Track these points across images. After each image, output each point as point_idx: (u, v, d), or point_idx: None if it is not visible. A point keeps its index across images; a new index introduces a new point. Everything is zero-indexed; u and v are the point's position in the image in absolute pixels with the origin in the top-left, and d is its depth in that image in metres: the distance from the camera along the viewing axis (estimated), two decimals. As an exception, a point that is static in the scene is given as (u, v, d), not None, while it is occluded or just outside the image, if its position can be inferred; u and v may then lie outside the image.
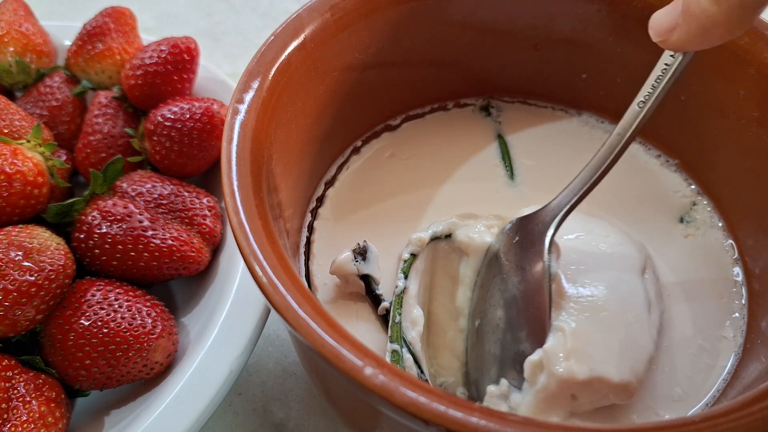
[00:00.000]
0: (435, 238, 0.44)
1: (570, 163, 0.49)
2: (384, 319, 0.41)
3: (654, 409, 0.38)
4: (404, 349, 0.39)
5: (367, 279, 0.41)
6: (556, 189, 0.48)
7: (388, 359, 0.38)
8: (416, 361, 0.39)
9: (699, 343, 0.40)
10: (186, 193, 0.48)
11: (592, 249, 0.39)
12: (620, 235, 0.41)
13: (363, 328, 0.41)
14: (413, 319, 0.40)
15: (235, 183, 0.33)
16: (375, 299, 0.41)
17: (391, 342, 0.39)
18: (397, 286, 0.41)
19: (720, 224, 0.46)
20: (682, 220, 0.46)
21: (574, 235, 0.40)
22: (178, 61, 0.52)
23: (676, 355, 0.40)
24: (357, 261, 0.41)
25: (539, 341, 0.35)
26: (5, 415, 0.37)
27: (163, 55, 0.51)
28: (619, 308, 0.37)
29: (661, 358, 0.39)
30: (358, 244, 0.42)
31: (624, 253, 0.40)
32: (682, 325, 0.41)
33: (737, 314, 0.42)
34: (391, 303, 0.41)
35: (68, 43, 0.57)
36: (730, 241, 0.45)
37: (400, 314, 0.40)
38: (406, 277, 0.42)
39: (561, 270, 0.37)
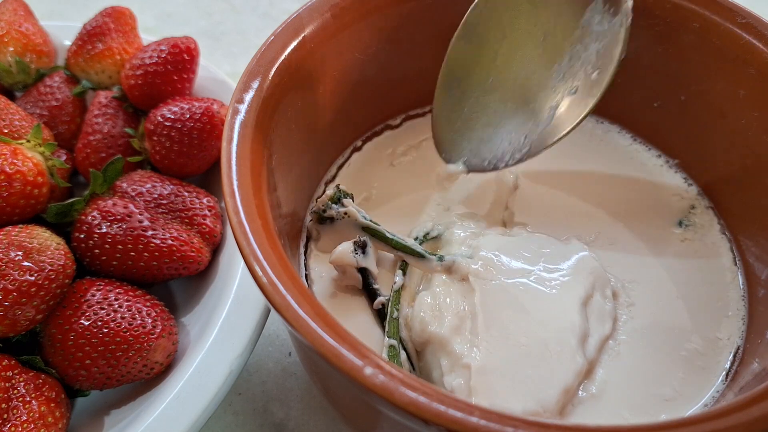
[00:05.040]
0: (434, 237, 0.44)
1: (570, 165, 0.49)
2: (379, 313, 0.41)
3: (644, 407, 0.38)
4: (399, 346, 0.39)
5: (365, 272, 0.41)
6: (555, 190, 0.48)
7: (385, 354, 0.38)
8: (409, 358, 0.39)
9: (692, 344, 0.40)
10: (186, 193, 0.48)
11: (527, 287, 0.40)
12: (570, 264, 0.41)
13: (358, 322, 0.41)
14: (406, 316, 0.40)
15: (235, 183, 0.33)
16: (371, 294, 0.41)
17: (388, 337, 0.39)
18: (395, 282, 0.42)
19: (719, 227, 0.46)
20: (680, 224, 0.46)
21: (512, 280, 0.40)
22: (178, 61, 0.52)
23: (666, 356, 0.40)
24: (357, 253, 0.41)
25: None
26: (5, 415, 0.37)
27: (163, 55, 0.51)
28: (538, 343, 0.37)
29: (649, 359, 0.40)
30: (359, 237, 0.42)
31: (565, 286, 0.40)
32: (674, 326, 0.41)
33: (734, 317, 0.42)
34: (388, 299, 0.41)
35: (68, 43, 0.57)
36: (729, 244, 0.45)
37: (397, 310, 0.40)
38: (404, 274, 0.42)
39: (481, 311, 0.38)
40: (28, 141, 0.45)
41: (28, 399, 0.38)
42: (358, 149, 0.50)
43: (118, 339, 0.40)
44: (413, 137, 0.51)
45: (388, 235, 0.42)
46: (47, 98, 0.54)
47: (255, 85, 0.38)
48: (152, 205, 0.46)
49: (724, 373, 0.40)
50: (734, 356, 0.40)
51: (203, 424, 0.39)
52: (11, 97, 0.56)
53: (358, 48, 0.45)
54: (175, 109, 0.49)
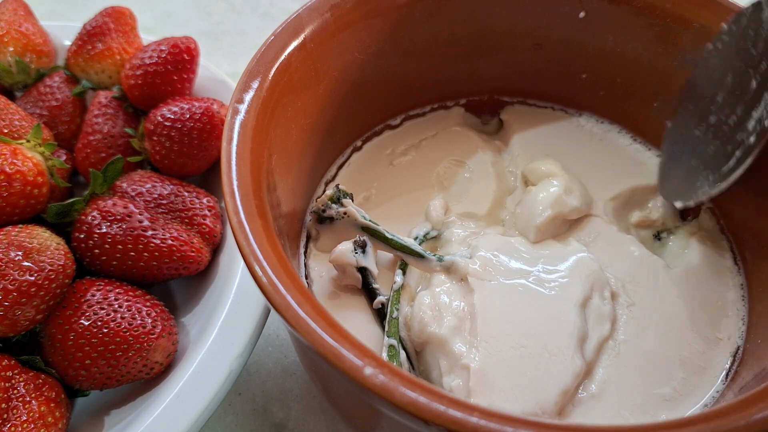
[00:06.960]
0: (433, 236, 0.44)
1: (569, 164, 0.49)
2: (379, 313, 0.41)
3: (644, 407, 0.38)
4: (399, 345, 0.39)
5: (364, 272, 0.41)
6: (556, 189, 0.48)
7: (384, 354, 0.39)
8: (409, 358, 0.39)
9: (692, 344, 0.40)
10: (186, 193, 0.48)
11: (526, 288, 0.40)
12: (569, 266, 0.41)
13: (358, 321, 0.41)
14: (405, 316, 0.40)
15: (235, 183, 0.33)
16: (371, 293, 0.41)
17: (388, 337, 0.39)
18: (395, 282, 0.42)
19: (719, 227, 0.46)
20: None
21: (511, 280, 0.40)
22: (178, 61, 0.52)
23: (666, 356, 0.40)
24: (356, 253, 0.41)
25: None
26: (5, 415, 0.37)
27: (163, 55, 0.51)
28: (537, 344, 0.37)
29: (649, 359, 0.40)
30: (359, 237, 0.42)
31: (564, 288, 0.40)
32: (675, 327, 0.41)
33: (734, 317, 0.42)
34: (388, 298, 0.41)
35: (68, 43, 0.57)
36: (729, 244, 0.45)
37: (397, 309, 0.40)
38: (404, 273, 0.42)
39: (480, 311, 0.38)
40: (28, 141, 0.45)
41: (28, 399, 0.38)
42: (358, 149, 0.50)
43: (118, 339, 0.40)
44: (413, 137, 0.51)
45: (387, 234, 0.42)
46: (47, 98, 0.54)
47: (255, 85, 0.38)
48: (152, 205, 0.46)
49: (724, 373, 0.40)
50: (734, 356, 0.40)
51: (203, 424, 0.39)
52: (11, 97, 0.56)
53: (358, 48, 0.45)
54: (175, 109, 0.49)
